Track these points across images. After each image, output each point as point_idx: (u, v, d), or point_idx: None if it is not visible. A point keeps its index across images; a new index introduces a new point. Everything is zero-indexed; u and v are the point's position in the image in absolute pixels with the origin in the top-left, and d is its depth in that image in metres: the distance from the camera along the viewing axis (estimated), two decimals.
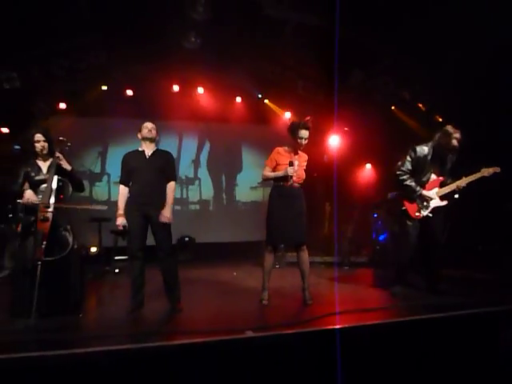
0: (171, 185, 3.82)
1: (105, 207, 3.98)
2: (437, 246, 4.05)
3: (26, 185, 3.56)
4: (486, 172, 3.86)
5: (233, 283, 5.19)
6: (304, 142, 3.83)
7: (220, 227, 8.81)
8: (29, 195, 3.43)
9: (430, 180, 4.03)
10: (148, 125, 3.78)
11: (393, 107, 7.40)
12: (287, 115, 8.76)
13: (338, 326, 2.76)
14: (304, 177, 3.95)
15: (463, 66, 5.36)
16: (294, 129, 3.84)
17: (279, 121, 8.77)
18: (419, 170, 4.01)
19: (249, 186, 9.26)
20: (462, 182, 3.91)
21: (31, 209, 3.44)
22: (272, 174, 3.88)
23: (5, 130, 7.16)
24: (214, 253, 8.10)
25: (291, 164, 3.72)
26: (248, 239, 7.95)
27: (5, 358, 2.24)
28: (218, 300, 4.21)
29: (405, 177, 4.00)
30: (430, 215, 3.98)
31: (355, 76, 6.75)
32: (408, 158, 4.02)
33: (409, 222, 4.03)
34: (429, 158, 3.97)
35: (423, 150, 3.99)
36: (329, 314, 3.21)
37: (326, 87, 7.12)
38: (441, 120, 6.33)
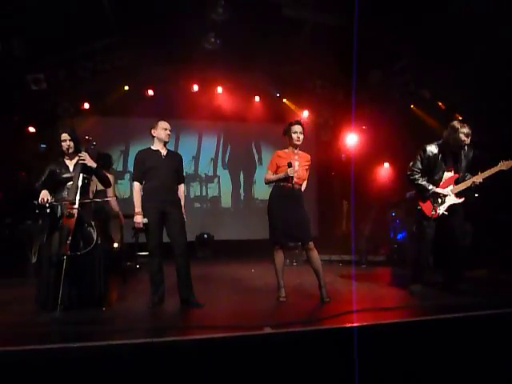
0: (183, 187, 3.94)
1: (113, 197, 3.96)
2: (457, 246, 3.97)
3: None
4: (504, 165, 3.76)
5: (251, 280, 5.24)
6: (300, 136, 3.87)
7: (238, 225, 8.89)
8: (43, 195, 3.50)
9: (445, 178, 3.98)
10: (167, 126, 3.82)
11: (412, 106, 7.32)
12: (305, 114, 8.77)
13: (355, 324, 2.78)
14: (305, 177, 3.99)
15: (484, 63, 5.27)
16: (287, 128, 3.93)
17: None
18: (430, 168, 3.98)
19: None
20: (478, 178, 3.82)
21: (55, 206, 3.56)
22: (273, 177, 3.91)
23: (32, 130, 7.40)
24: (232, 250, 8.18)
25: (290, 165, 3.74)
26: (266, 237, 7.99)
27: (30, 350, 2.32)
28: (237, 296, 4.26)
29: (416, 176, 3.99)
30: (446, 213, 3.93)
31: (374, 75, 6.70)
32: (418, 158, 4.01)
33: (424, 222, 3.99)
34: (440, 156, 3.94)
35: (433, 148, 3.96)
36: (346, 312, 3.21)
37: (344, 86, 7.11)
38: (461, 118, 6.23)
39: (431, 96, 6.79)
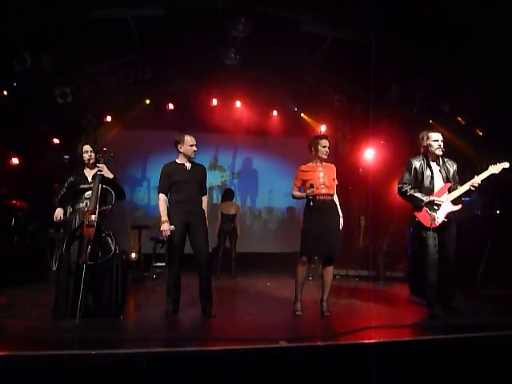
0: (206, 199, 3.99)
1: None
2: (448, 263, 3.81)
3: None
4: (495, 169, 3.73)
5: (267, 293, 5.24)
6: (328, 150, 3.99)
7: (254, 237, 8.90)
8: (58, 213, 3.74)
9: (438, 187, 3.88)
10: (193, 142, 3.89)
11: (431, 121, 7.25)
12: (323, 128, 8.79)
13: (371, 341, 2.75)
14: (334, 186, 4.01)
15: (505, 77, 5.22)
16: (314, 142, 4.02)
17: (315, 133, 8.82)
18: (419, 180, 3.93)
19: (283, 194, 9.26)
20: (477, 180, 3.72)
21: (74, 215, 3.72)
22: (298, 195, 4.06)
23: (56, 141, 7.62)
24: (248, 263, 8.15)
25: (312, 186, 3.82)
26: (283, 250, 8.00)
27: (48, 355, 2.38)
28: (253, 309, 4.26)
29: (407, 188, 3.90)
30: (446, 220, 3.78)
31: (392, 89, 6.69)
32: (404, 170, 4.00)
33: (424, 234, 3.80)
34: (425, 166, 3.92)
35: (417, 159, 3.97)
36: (362, 328, 3.18)
37: (362, 101, 7.11)
38: (481, 134, 6.16)
39: (450, 110, 6.72)
